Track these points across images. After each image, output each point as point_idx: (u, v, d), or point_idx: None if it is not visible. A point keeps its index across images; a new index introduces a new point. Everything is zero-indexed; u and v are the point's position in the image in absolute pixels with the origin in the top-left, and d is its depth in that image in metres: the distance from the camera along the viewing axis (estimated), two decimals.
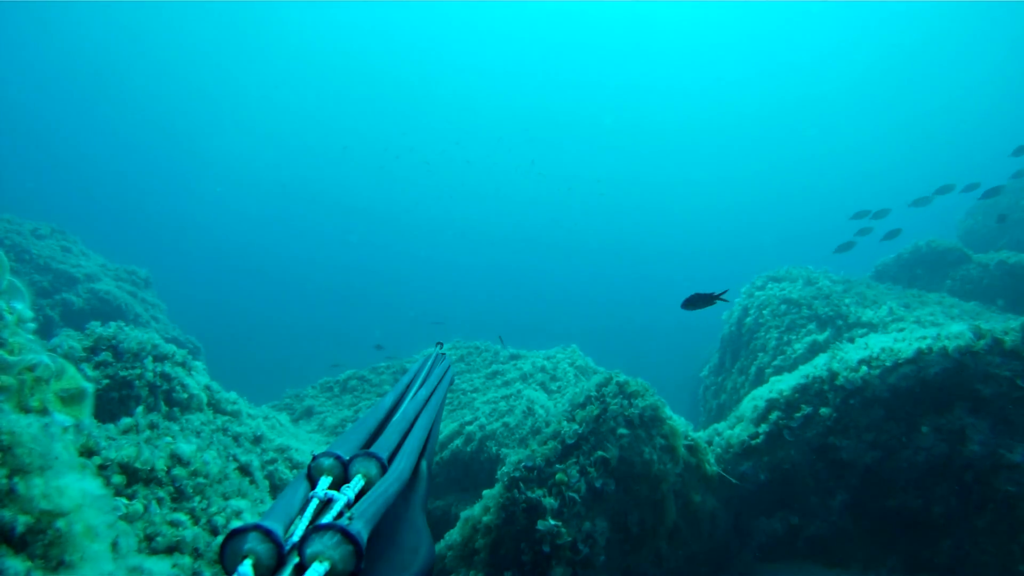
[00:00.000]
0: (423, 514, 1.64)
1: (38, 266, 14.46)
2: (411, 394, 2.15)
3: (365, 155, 79.66)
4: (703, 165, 78.62)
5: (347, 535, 1.08)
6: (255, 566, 1.02)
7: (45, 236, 16.01)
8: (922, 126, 72.84)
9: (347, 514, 1.18)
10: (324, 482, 1.35)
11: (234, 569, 1.02)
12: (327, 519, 1.19)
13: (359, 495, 1.33)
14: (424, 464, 1.82)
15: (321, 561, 1.04)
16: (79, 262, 15.64)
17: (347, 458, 1.43)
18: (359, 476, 1.40)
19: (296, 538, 1.13)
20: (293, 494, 1.27)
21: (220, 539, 1.09)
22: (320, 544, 1.07)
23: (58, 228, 16.70)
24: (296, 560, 1.06)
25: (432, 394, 2.19)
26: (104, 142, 74.97)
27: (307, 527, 1.17)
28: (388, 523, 1.33)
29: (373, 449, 1.49)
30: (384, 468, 1.44)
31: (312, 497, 1.28)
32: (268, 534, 1.06)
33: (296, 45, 69.78)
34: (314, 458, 1.41)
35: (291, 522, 1.18)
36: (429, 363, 2.58)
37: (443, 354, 2.86)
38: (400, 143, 74.37)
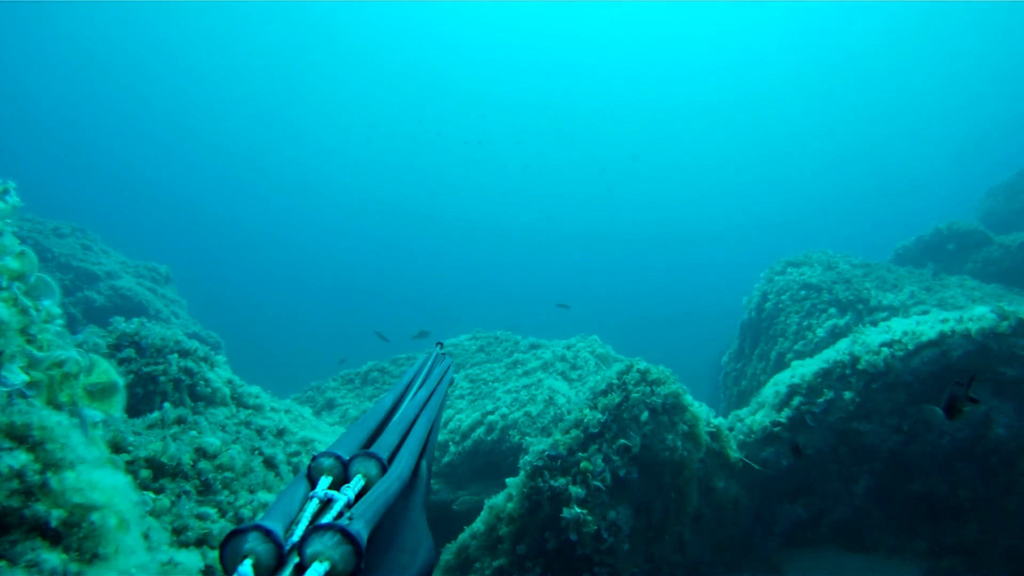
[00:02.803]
0: (423, 514, 1.63)
1: (60, 264, 14.58)
2: (411, 394, 2.15)
3: (383, 149, 79.84)
4: (719, 151, 78.21)
5: (347, 535, 1.07)
6: (255, 566, 1.01)
7: (66, 235, 16.14)
8: (932, 114, 72.33)
9: (347, 514, 1.18)
10: (324, 482, 1.34)
11: (234, 569, 1.01)
12: (327, 519, 1.18)
13: (359, 495, 1.32)
14: (424, 464, 1.81)
15: (321, 561, 1.04)
16: (100, 260, 15.76)
17: (347, 458, 1.42)
18: (359, 476, 1.39)
19: (296, 538, 1.11)
20: (293, 494, 1.27)
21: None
22: (320, 544, 1.06)
23: (78, 226, 16.82)
24: (296, 560, 1.06)
25: (432, 394, 2.19)
26: (121, 139, 75.47)
27: (307, 527, 1.16)
28: (388, 523, 1.31)
29: (373, 449, 1.48)
30: (384, 468, 1.43)
31: (312, 497, 1.27)
32: (268, 534, 1.05)
33: (315, 39, 69.93)
34: (314, 458, 1.40)
35: (291, 522, 1.18)
36: (429, 363, 2.57)
37: (443, 354, 2.86)
38: (421, 137, 74.61)
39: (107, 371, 3.16)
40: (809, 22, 65.84)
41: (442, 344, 3.02)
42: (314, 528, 1.10)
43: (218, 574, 1.07)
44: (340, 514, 1.22)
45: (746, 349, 12.94)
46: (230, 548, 1.05)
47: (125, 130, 74.82)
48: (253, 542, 1.05)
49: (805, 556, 7.00)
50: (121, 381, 3.26)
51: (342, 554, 1.06)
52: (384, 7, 66.43)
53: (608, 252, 75.07)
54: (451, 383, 2.73)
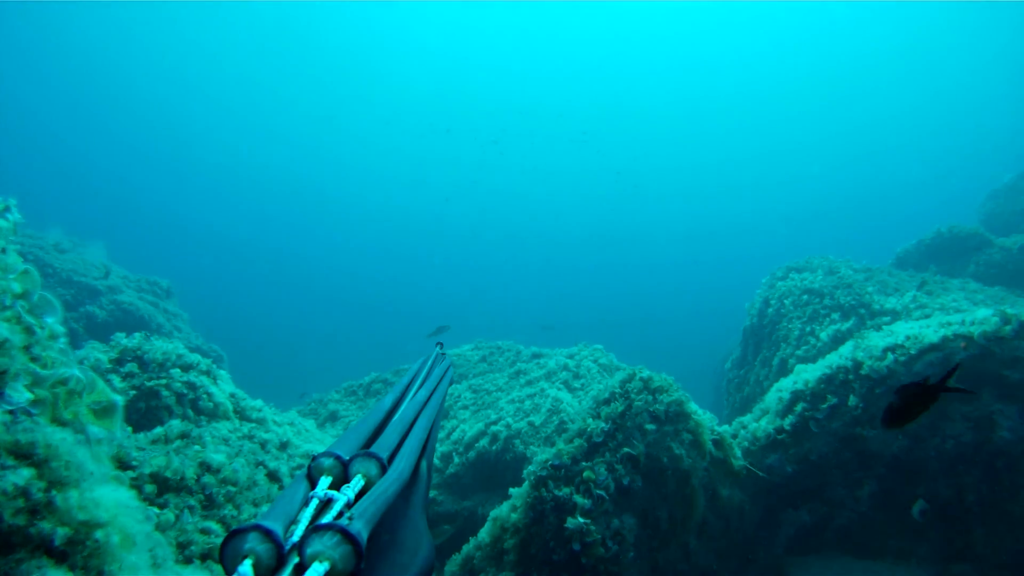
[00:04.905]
0: (423, 514, 1.63)
1: (61, 280, 14.61)
2: (411, 394, 2.16)
3: (381, 159, 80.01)
4: (723, 157, 78.26)
5: (347, 535, 1.08)
6: (255, 566, 1.02)
7: (67, 250, 16.17)
8: (929, 116, 72.44)
9: (347, 514, 1.18)
10: (324, 482, 1.35)
11: (234, 569, 1.02)
12: (327, 519, 1.19)
13: (359, 495, 1.33)
14: (424, 464, 1.82)
15: (321, 561, 1.05)
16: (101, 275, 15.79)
17: (347, 458, 1.43)
18: (359, 476, 1.40)
19: (296, 538, 1.13)
20: (293, 494, 1.28)
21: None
22: (320, 544, 1.07)
23: (80, 242, 16.86)
24: (296, 560, 1.07)
25: (432, 394, 2.20)
26: (121, 154, 75.54)
27: (307, 527, 1.17)
28: (388, 523, 1.32)
29: (373, 449, 1.50)
30: (384, 468, 1.44)
31: (312, 497, 1.28)
32: (268, 534, 1.07)
33: (320, 46, 70.10)
34: (314, 458, 1.42)
35: (291, 522, 1.19)
36: (429, 363, 2.58)
37: (443, 354, 2.86)
38: (429, 144, 74.79)
39: (104, 390, 3.17)
40: (812, 26, 66.27)
41: (442, 344, 3.02)
42: (314, 528, 1.11)
43: None
44: (340, 514, 1.23)
45: (749, 355, 12.93)
46: (230, 548, 1.07)
47: (125, 144, 74.94)
48: (253, 542, 1.06)
49: (811, 562, 6.99)
50: (120, 400, 3.26)
51: (342, 554, 1.07)
52: (393, 9, 66.52)
53: (609, 257, 75.09)
54: (451, 383, 2.73)
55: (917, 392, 3.93)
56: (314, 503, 1.26)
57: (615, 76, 74.69)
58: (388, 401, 2.00)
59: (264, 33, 66.96)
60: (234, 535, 1.07)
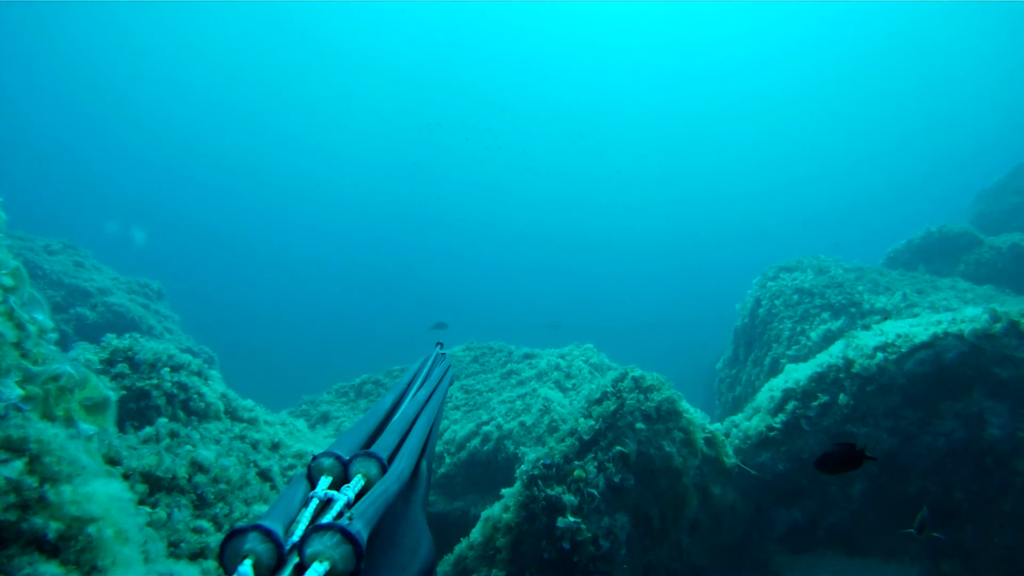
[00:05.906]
0: (423, 514, 1.62)
1: (51, 281, 14.51)
2: (411, 394, 2.15)
3: (378, 157, 79.80)
4: (715, 157, 78.40)
5: (347, 535, 1.08)
6: (255, 566, 1.02)
7: (57, 252, 16.08)
8: (922, 117, 72.76)
9: (347, 514, 1.18)
10: (324, 482, 1.35)
11: (234, 569, 1.02)
12: (327, 519, 1.19)
13: (359, 495, 1.32)
14: (424, 464, 1.82)
15: (321, 561, 1.04)
16: (91, 276, 15.69)
17: (347, 458, 1.42)
18: (359, 476, 1.39)
19: (296, 538, 1.12)
20: (293, 494, 1.28)
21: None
22: (320, 544, 1.07)
23: (70, 243, 16.77)
24: (296, 560, 1.06)
25: (432, 394, 2.20)
26: (110, 155, 75.06)
27: (307, 527, 1.17)
28: (388, 523, 1.32)
29: (373, 449, 1.49)
30: (384, 468, 1.44)
31: (312, 497, 1.27)
32: (268, 534, 1.06)
33: (308, 40, 69.59)
34: (314, 458, 1.41)
35: (291, 522, 1.18)
36: (429, 363, 2.56)
37: (443, 354, 2.85)
38: (419, 142, 74.56)
39: (97, 386, 3.16)
40: (801, 31, 66.39)
41: (442, 344, 3.01)
42: (314, 528, 1.10)
43: None
44: (340, 514, 1.22)
45: (740, 355, 12.96)
46: (230, 548, 1.06)
47: (116, 145, 74.48)
48: (253, 542, 1.06)
49: (802, 560, 7.00)
50: (113, 395, 3.26)
51: (342, 554, 1.07)
52: (388, 6, 66.28)
53: (605, 259, 75.08)
54: (451, 382, 2.73)
55: (847, 453, 4.29)
56: (314, 503, 1.26)
57: (612, 79, 74.85)
58: (388, 401, 1.98)
59: (253, 25, 66.43)
60: (234, 535, 1.06)
